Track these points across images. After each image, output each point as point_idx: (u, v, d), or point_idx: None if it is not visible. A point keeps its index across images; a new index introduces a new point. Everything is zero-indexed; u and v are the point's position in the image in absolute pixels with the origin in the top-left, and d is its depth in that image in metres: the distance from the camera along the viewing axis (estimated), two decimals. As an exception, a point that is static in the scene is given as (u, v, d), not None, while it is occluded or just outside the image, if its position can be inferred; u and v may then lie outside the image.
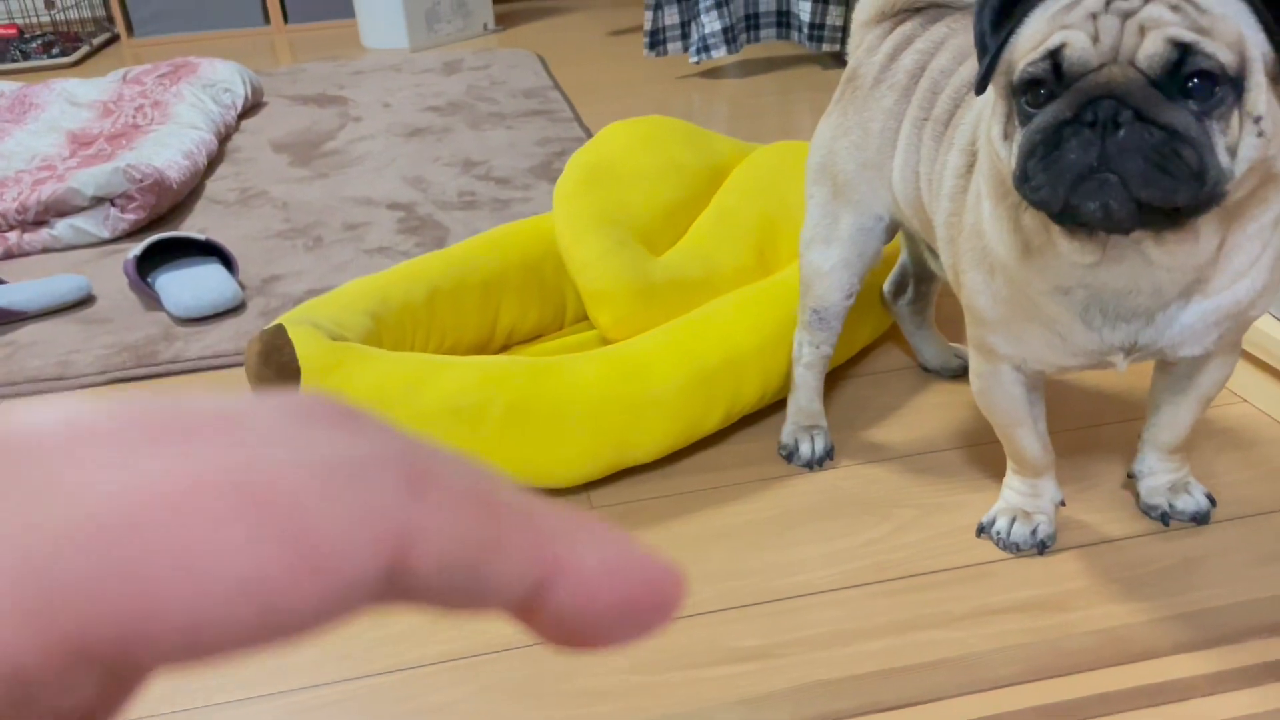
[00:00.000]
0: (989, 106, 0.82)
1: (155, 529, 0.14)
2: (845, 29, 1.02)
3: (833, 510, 1.07)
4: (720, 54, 2.64)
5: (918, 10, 1.05)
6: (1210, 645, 0.87)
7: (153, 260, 1.65)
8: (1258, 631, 0.88)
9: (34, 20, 3.85)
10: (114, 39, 3.85)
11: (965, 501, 1.07)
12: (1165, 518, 1.01)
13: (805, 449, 1.14)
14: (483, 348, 1.33)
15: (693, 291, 1.29)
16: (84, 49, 3.59)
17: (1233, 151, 0.70)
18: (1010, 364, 0.92)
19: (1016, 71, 0.74)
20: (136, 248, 1.63)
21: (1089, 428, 1.17)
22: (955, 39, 0.99)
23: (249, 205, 2.07)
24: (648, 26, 2.67)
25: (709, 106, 2.59)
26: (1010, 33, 0.76)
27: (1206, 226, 0.76)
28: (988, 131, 0.81)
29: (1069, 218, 0.74)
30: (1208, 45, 0.68)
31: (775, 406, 1.22)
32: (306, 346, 1.04)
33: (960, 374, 1.27)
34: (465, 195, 2.04)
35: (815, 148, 1.11)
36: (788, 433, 1.17)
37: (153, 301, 1.62)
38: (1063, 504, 1.01)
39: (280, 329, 1.06)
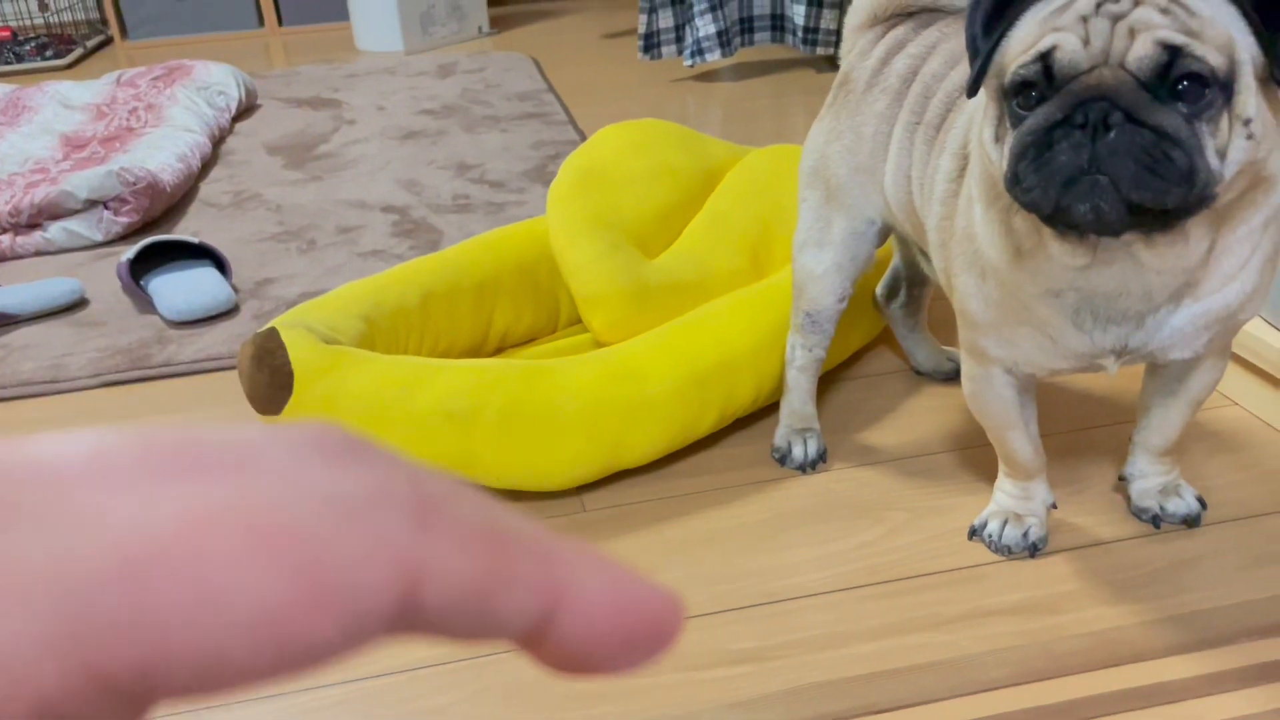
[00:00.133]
0: (980, 110, 0.82)
1: (175, 564, 0.15)
2: (839, 32, 1.02)
3: (826, 513, 1.07)
4: (715, 57, 2.65)
5: (910, 15, 1.05)
6: (1201, 647, 0.87)
7: (146, 263, 1.64)
8: (1249, 633, 0.88)
9: (28, 22, 3.85)
10: (108, 41, 3.85)
11: (957, 504, 1.07)
12: (1156, 520, 1.01)
13: (798, 452, 1.14)
14: (476, 351, 1.33)
15: (686, 295, 1.29)
16: (78, 51, 3.58)
17: (1222, 154, 0.71)
18: (1002, 367, 0.92)
19: (1008, 74, 0.75)
20: (130, 250, 1.63)
21: (1080, 431, 1.18)
22: (947, 43, 0.99)
23: (242, 208, 2.06)
24: (642, 29, 2.67)
25: (703, 110, 2.59)
26: (1002, 36, 0.76)
27: (1196, 229, 0.76)
28: (979, 134, 0.82)
29: (1060, 220, 0.74)
30: (1197, 48, 0.69)
31: (768, 409, 1.23)
32: (299, 350, 1.04)
33: (952, 377, 1.27)
34: (459, 198, 2.04)
35: (808, 152, 1.11)
36: (781, 435, 1.17)
37: (146, 304, 1.62)
38: (1054, 507, 1.02)
39: (273, 332, 1.06)
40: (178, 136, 2.25)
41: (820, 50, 2.69)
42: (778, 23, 2.77)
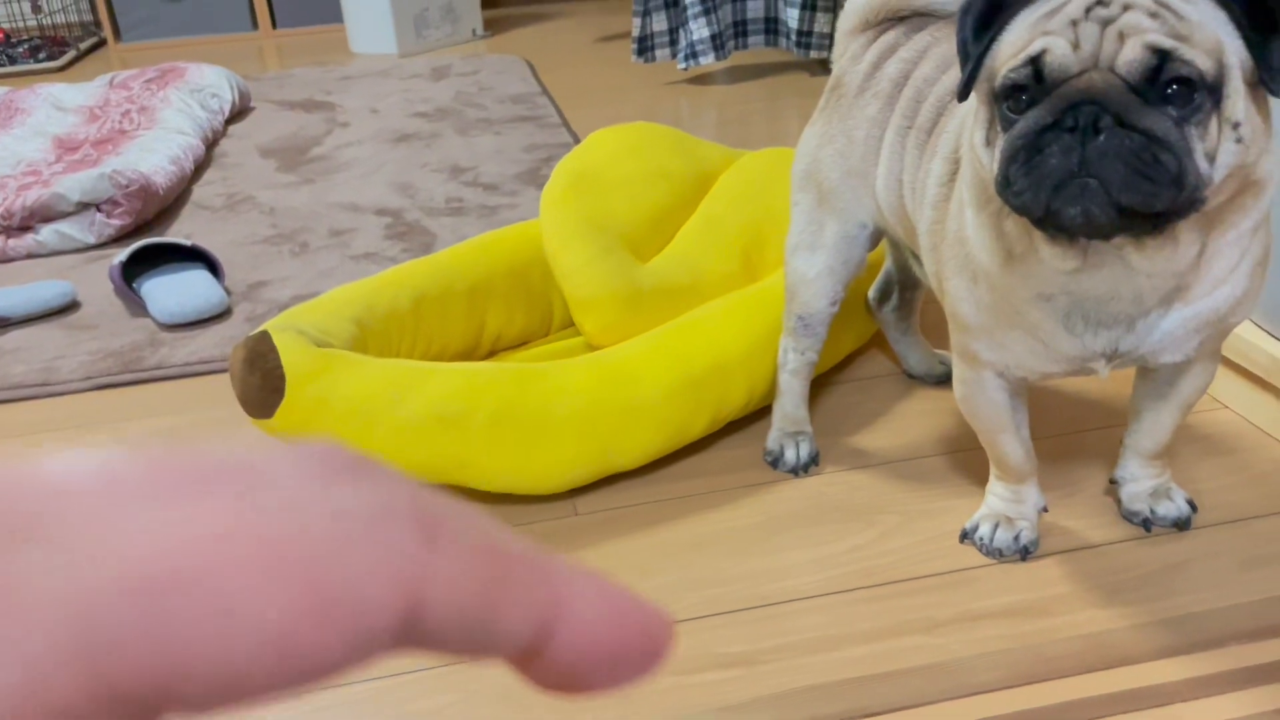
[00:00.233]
0: (971, 114, 0.82)
1: (190, 583, 0.15)
2: (833, 36, 1.03)
3: (818, 516, 1.07)
4: (708, 60, 2.65)
5: (901, 19, 1.05)
6: (1192, 650, 0.87)
7: (138, 266, 1.64)
8: (1239, 636, 0.88)
9: (20, 24, 3.84)
10: (101, 44, 3.84)
11: (949, 507, 1.07)
12: (1147, 524, 1.02)
13: (790, 455, 1.14)
14: (469, 354, 1.33)
15: (679, 298, 1.29)
16: (71, 54, 3.58)
17: (1211, 157, 0.71)
18: (993, 370, 0.92)
19: (998, 78, 0.75)
20: (122, 253, 1.63)
21: (1071, 434, 1.18)
22: (938, 47, 1.00)
23: (235, 211, 2.06)
24: (636, 33, 2.67)
25: (697, 113, 2.60)
26: (992, 40, 0.76)
27: (1186, 233, 0.76)
28: (970, 138, 0.82)
29: (1050, 223, 0.74)
30: (1186, 52, 0.69)
31: (761, 413, 1.23)
32: (291, 353, 1.04)
33: (944, 380, 1.27)
34: (453, 201, 2.04)
35: (800, 155, 1.11)
36: (773, 439, 1.17)
37: (138, 307, 1.62)
38: (1045, 510, 1.02)
39: (265, 335, 1.06)
40: (170, 139, 2.24)
41: (814, 54, 2.70)
42: (771, 26, 2.77)
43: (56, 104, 2.59)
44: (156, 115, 2.40)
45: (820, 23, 2.64)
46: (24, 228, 1.88)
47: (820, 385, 1.29)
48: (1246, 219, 0.78)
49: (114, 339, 1.54)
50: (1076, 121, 0.71)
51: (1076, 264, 0.78)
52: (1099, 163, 0.70)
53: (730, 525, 1.07)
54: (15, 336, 1.56)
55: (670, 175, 1.43)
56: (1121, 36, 0.70)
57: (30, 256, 1.88)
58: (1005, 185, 0.74)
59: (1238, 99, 0.71)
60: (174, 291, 1.58)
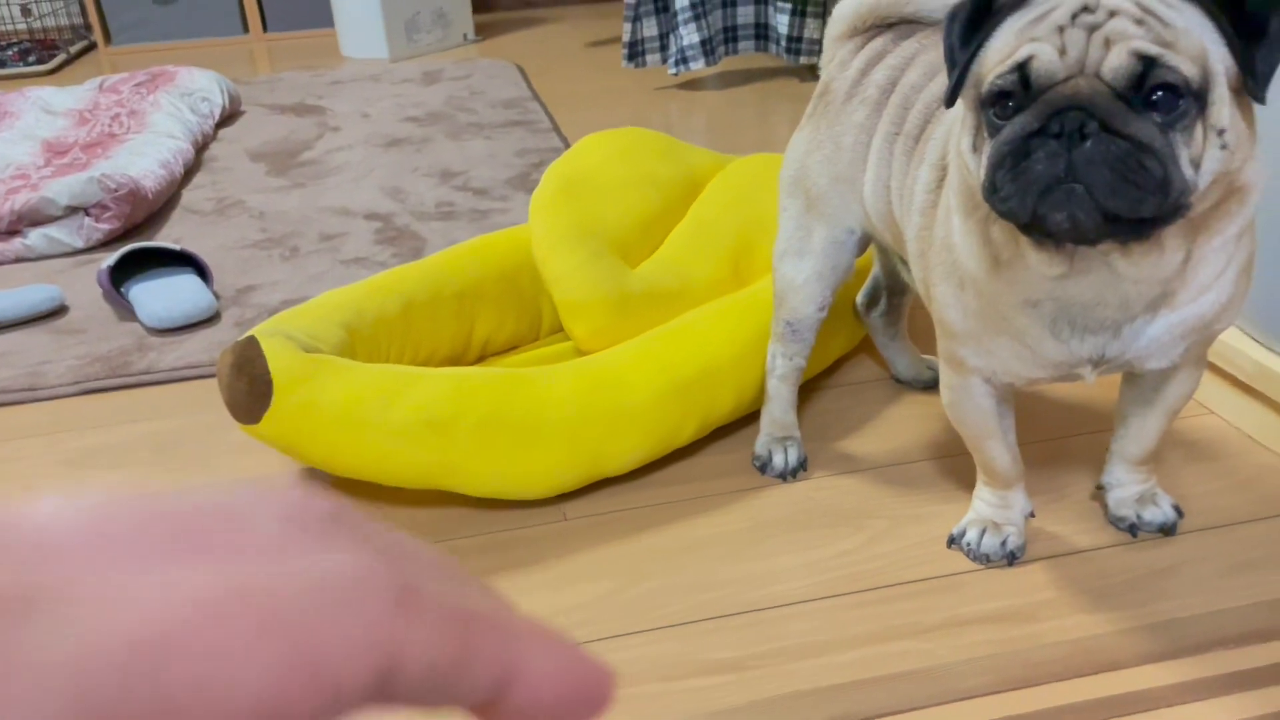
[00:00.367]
0: (959, 120, 0.83)
1: (185, 653, 0.16)
2: (822, 42, 1.03)
3: (806, 521, 1.07)
4: (699, 66, 2.65)
5: (889, 26, 1.05)
6: (1178, 655, 0.88)
7: (127, 270, 1.64)
8: (1224, 642, 0.89)
9: (10, 27, 3.83)
10: (91, 47, 3.83)
11: (937, 512, 1.07)
12: (1133, 529, 1.02)
13: (779, 460, 1.15)
14: (458, 359, 1.32)
15: (668, 303, 1.29)
16: (61, 57, 3.57)
17: (1196, 163, 0.71)
18: (980, 376, 0.92)
19: (985, 84, 0.75)
20: (110, 257, 1.62)
21: (1058, 440, 1.18)
22: (926, 54, 1.00)
23: (225, 215, 2.06)
24: (626, 38, 2.68)
25: (687, 118, 2.60)
26: (979, 46, 0.77)
27: (1172, 239, 0.77)
28: (957, 144, 0.82)
29: (1037, 229, 0.75)
30: (1171, 58, 0.69)
31: (749, 418, 1.23)
32: (279, 359, 1.04)
33: (932, 385, 1.27)
34: (443, 206, 2.04)
35: (788, 161, 1.11)
36: (761, 444, 1.17)
37: (126, 312, 1.62)
38: (1032, 515, 1.02)
39: (252, 340, 1.06)
40: (160, 143, 2.24)
41: (804, 59, 2.70)
42: (761, 32, 2.78)
43: (46, 107, 2.58)
44: (146, 119, 2.40)
45: (810, 28, 2.65)
46: (12, 231, 1.88)
47: (808, 390, 1.29)
48: (1232, 225, 0.79)
49: (102, 343, 1.53)
50: (1063, 127, 0.71)
51: (1063, 270, 0.78)
52: (1085, 168, 0.71)
53: (719, 530, 1.07)
54: (2, 341, 1.56)
55: (660, 180, 1.43)
56: (1107, 43, 0.70)
57: (18, 260, 1.88)
58: (992, 191, 0.75)
59: (1223, 105, 0.71)
60: (162, 296, 1.57)
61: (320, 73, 3.26)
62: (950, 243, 0.87)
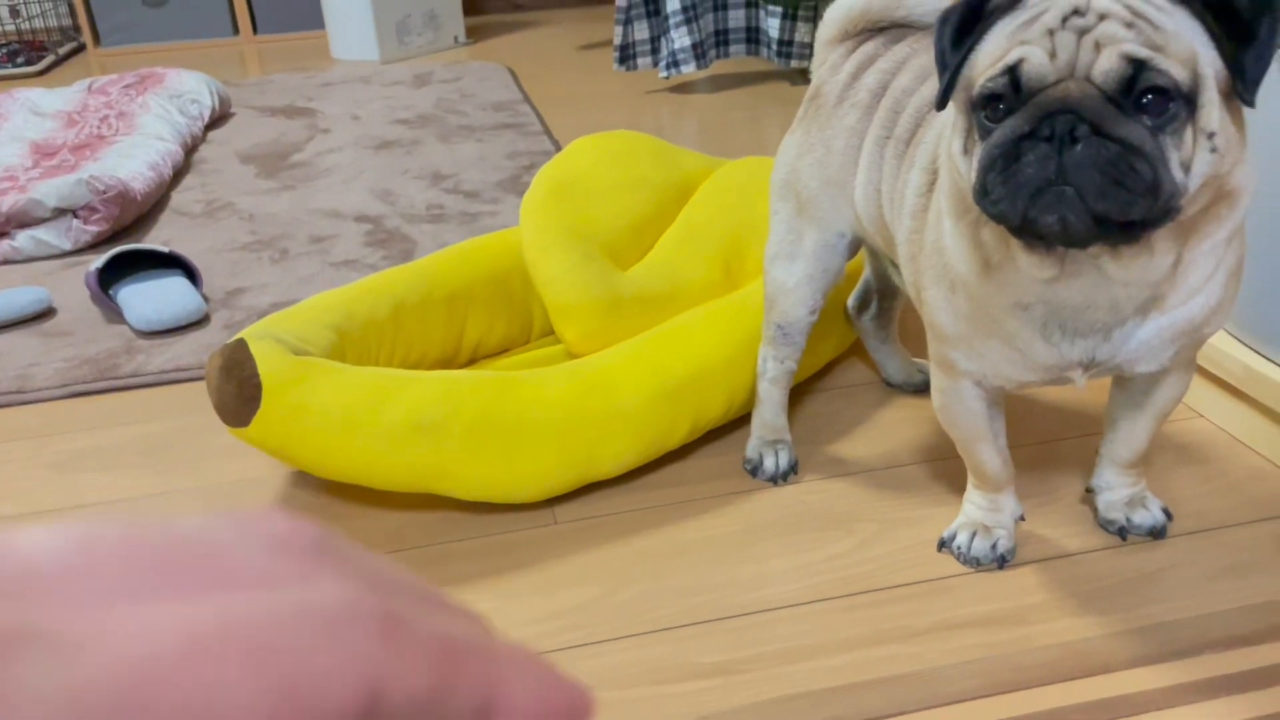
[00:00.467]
0: (949, 124, 0.83)
1: (175, 688, 0.16)
2: (813, 46, 1.03)
3: (796, 525, 1.07)
4: (690, 69, 2.65)
5: (880, 29, 1.05)
6: (1167, 659, 0.88)
7: (115, 272, 1.63)
8: (1214, 645, 0.89)
9: (-1, 29, 3.82)
10: (80, 48, 3.82)
11: (927, 516, 1.07)
12: (1123, 532, 1.02)
13: (770, 463, 1.14)
14: (448, 362, 1.32)
15: (659, 306, 1.29)
16: (50, 58, 3.55)
17: (1186, 167, 0.71)
18: (971, 380, 0.92)
19: (976, 87, 0.75)
20: (99, 260, 1.62)
21: (1048, 443, 1.18)
22: (917, 58, 1.00)
23: (214, 217, 2.05)
24: (618, 41, 2.68)
25: (678, 121, 2.60)
26: (970, 49, 0.77)
27: (1162, 243, 0.77)
28: (948, 147, 0.82)
29: (1027, 231, 0.75)
30: (1161, 62, 0.69)
31: (740, 421, 1.23)
32: (268, 361, 1.03)
33: (923, 389, 1.27)
34: (433, 208, 2.04)
35: (779, 165, 1.11)
36: (752, 447, 1.17)
37: (114, 314, 1.61)
38: (1022, 519, 1.02)
39: (241, 343, 1.05)
40: (149, 145, 2.23)
41: (795, 63, 2.71)
42: (753, 35, 2.78)
43: (34, 109, 2.57)
44: (135, 121, 2.39)
45: (801, 32, 2.65)
46: (0, 233, 1.87)
47: (799, 393, 1.29)
48: (1221, 229, 0.79)
49: (90, 346, 1.53)
50: (1053, 130, 0.71)
51: (1053, 273, 0.78)
52: (1075, 171, 0.71)
53: (709, 534, 1.06)
54: (-10, 343, 1.55)
55: (651, 183, 1.43)
56: (1098, 46, 0.70)
57: (6, 262, 1.87)
58: (983, 194, 0.75)
59: (1213, 109, 0.71)
60: (151, 298, 1.57)
61: (310, 75, 3.26)
62: (941, 246, 0.87)
